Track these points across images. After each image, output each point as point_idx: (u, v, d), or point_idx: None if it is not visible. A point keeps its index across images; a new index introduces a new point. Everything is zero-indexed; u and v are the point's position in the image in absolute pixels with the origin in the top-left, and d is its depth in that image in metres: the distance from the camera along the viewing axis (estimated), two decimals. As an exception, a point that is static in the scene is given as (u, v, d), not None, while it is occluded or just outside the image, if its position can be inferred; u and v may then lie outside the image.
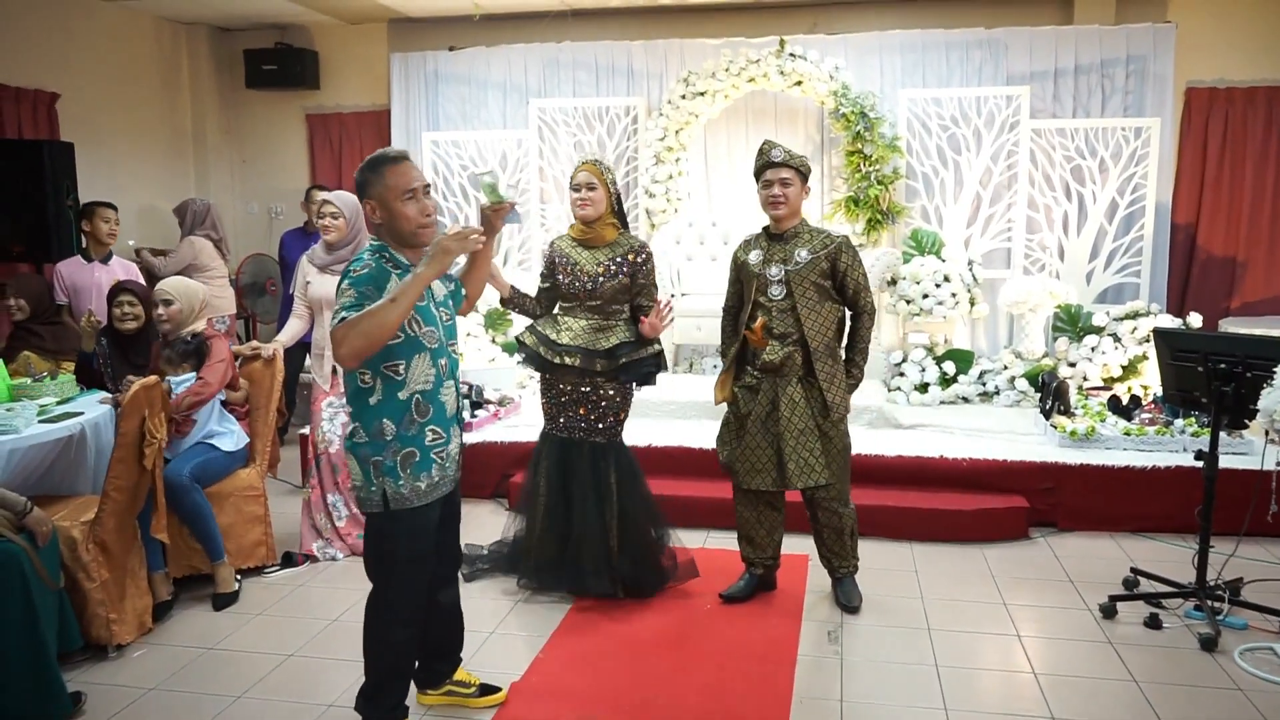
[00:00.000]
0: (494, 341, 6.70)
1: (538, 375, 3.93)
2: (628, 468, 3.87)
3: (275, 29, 7.81)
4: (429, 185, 2.68)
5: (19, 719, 3.02)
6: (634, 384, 3.85)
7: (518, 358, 6.21)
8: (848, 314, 3.75)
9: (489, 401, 5.78)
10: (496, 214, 2.80)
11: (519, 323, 6.79)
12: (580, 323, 3.79)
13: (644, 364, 3.79)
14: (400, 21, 7.66)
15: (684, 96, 6.71)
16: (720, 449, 3.86)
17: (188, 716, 3.13)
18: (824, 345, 3.63)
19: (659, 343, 3.83)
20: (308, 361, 4.59)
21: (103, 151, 6.75)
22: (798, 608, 3.86)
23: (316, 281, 4.34)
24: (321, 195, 4.31)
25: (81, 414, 3.85)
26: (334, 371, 4.37)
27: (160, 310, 4.08)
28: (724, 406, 3.88)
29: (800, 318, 3.61)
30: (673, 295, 3.77)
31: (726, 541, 4.43)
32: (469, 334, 6.62)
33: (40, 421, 3.70)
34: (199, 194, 7.52)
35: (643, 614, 3.79)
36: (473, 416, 5.52)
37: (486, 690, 3.15)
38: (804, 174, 3.67)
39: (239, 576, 4.11)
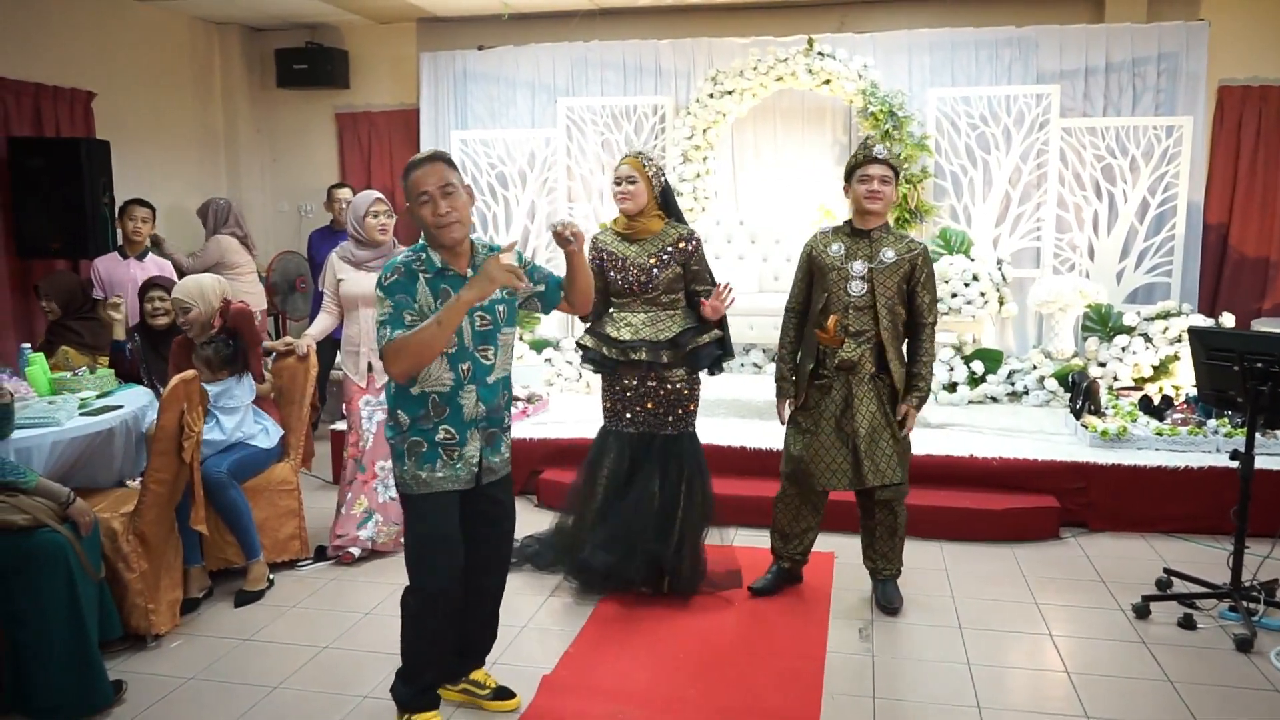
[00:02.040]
0: (521, 339, 6.73)
1: (579, 372, 3.94)
2: (696, 461, 3.85)
3: (306, 28, 7.87)
4: (449, 185, 2.67)
5: (63, 705, 3.08)
6: (700, 372, 3.84)
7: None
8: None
9: (517, 398, 5.81)
10: (560, 238, 2.85)
11: (547, 320, 6.84)
12: (638, 317, 3.80)
13: (709, 349, 3.78)
14: (429, 21, 7.71)
15: (712, 95, 6.71)
16: (786, 453, 3.82)
17: (224, 706, 3.18)
18: (895, 346, 3.63)
19: (719, 328, 3.80)
20: (339, 358, 4.62)
21: (137, 149, 6.84)
22: (826, 605, 3.87)
23: (351, 278, 4.37)
24: (372, 194, 4.35)
25: (120, 407, 3.91)
26: (369, 369, 4.41)
27: (182, 319, 4.10)
28: (763, 404, 3.86)
29: (878, 316, 3.60)
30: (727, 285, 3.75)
31: (753, 539, 4.45)
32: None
33: (81, 414, 3.76)
34: (230, 192, 7.60)
35: (671, 609, 3.81)
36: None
37: (501, 694, 3.15)
38: (898, 176, 3.71)
39: (271, 575, 4.16)
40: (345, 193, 6.38)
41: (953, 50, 6.73)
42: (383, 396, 4.27)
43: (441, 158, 2.76)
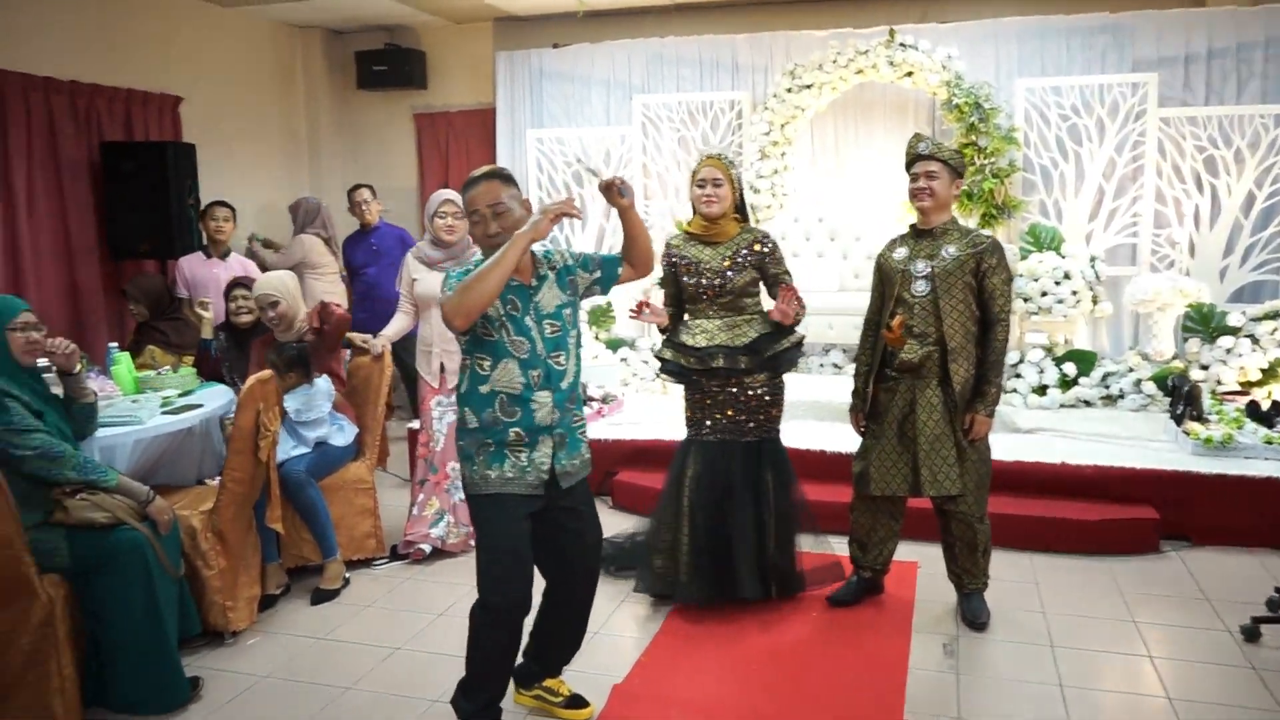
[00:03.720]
0: (597, 338, 6.69)
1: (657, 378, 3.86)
2: (783, 466, 3.75)
3: (385, 30, 7.95)
4: (500, 204, 2.72)
5: (141, 701, 3.13)
6: (782, 375, 3.73)
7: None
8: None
9: (592, 399, 5.76)
10: (610, 193, 2.77)
11: (622, 319, 6.78)
12: (713, 322, 3.68)
13: (791, 354, 3.67)
14: (505, 20, 7.72)
15: (790, 90, 6.57)
16: (856, 460, 3.72)
17: (299, 705, 3.19)
18: (961, 346, 3.47)
19: (797, 330, 3.69)
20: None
21: (222, 152, 6.97)
22: (908, 617, 3.72)
23: (424, 278, 4.38)
24: (445, 194, 4.34)
25: (201, 405, 3.96)
26: (441, 369, 4.41)
27: (270, 313, 4.15)
28: (838, 409, 3.75)
29: (941, 315, 3.46)
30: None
31: (834, 546, 4.32)
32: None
33: (163, 413, 3.82)
34: (312, 192, 7.71)
35: (746, 618, 3.70)
36: (576, 414, 5.50)
37: (575, 703, 3.10)
38: (954, 168, 3.52)
39: (347, 574, 4.17)
40: (364, 193, 6.36)
41: (1042, 39, 6.46)
42: (454, 397, 4.25)
43: (498, 175, 2.78)
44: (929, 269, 3.48)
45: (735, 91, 6.99)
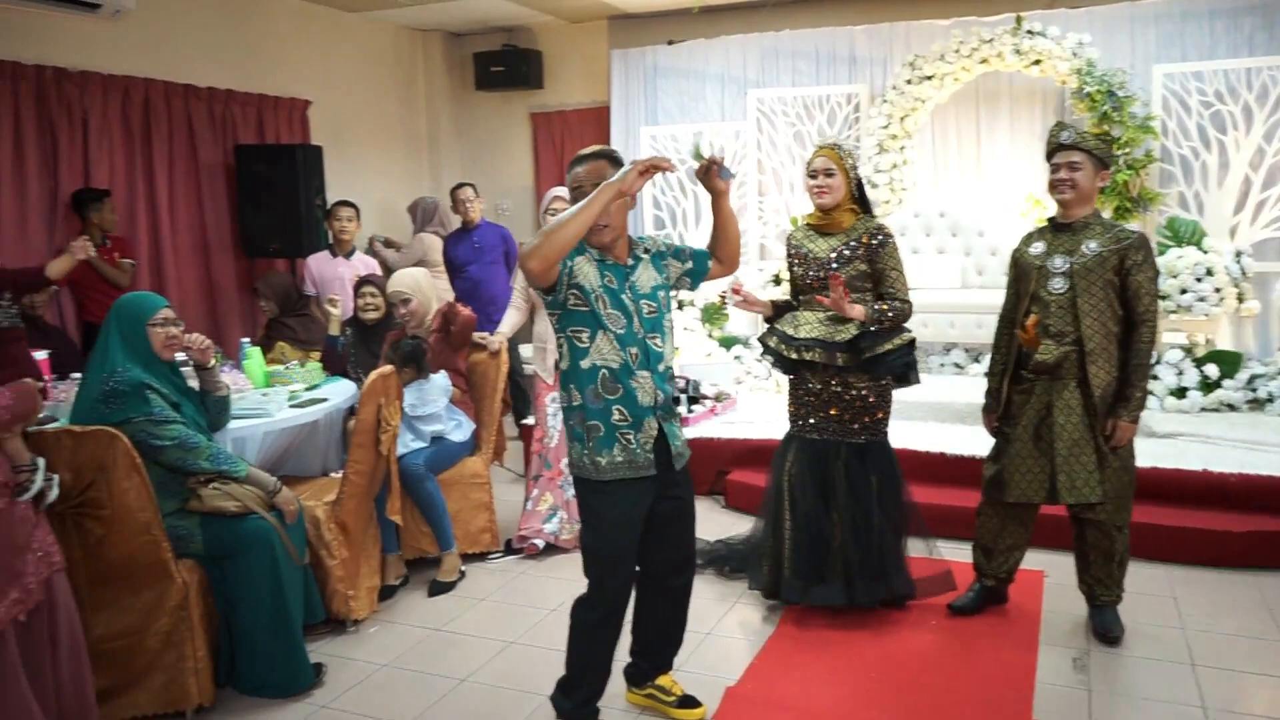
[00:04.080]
0: (711, 336, 6.65)
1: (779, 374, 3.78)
2: (889, 470, 3.62)
3: (502, 32, 8.08)
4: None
5: (268, 684, 3.24)
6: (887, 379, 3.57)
7: (732, 355, 6.09)
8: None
9: (705, 397, 5.72)
10: (709, 175, 2.74)
11: (737, 317, 6.73)
12: (816, 314, 3.58)
13: (894, 357, 3.49)
14: (620, 18, 7.74)
15: (910, 81, 6.39)
16: (986, 462, 3.58)
17: (417, 695, 3.25)
18: (1101, 348, 3.29)
19: (909, 330, 3.55)
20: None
21: (346, 153, 7.20)
22: (1034, 629, 3.56)
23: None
24: (558, 191, 4.38)
25: (326, 399, 4.08)
26: (556, 366, 4.43)
27: (401, 309, 4.26)
28: (969, 410, 3.60)
29: (1079, 314, 3.29)
30: (912, 289, 3.54)
31: (953, 552, 4.17)
32: (685, 328, 6.59)
33: (290, 406, 3.95)
34: (432, 192, 7.89)
35: (862, 624, 3.61)
36: (689, 412, 5.48)
37: (688, 703, 3.06)
38: (1099, 158, 3.32)
39: (463, 567, 4.24)
40: (468, 191, 6.44)
41: (1182, 21, 6.11)
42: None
43: (606, 155, 2.78)
44: (1067, 265, 3.31)
45: (853, 84, 6.84)
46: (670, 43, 7.45)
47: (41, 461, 2.53)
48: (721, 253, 2.90)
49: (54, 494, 2.56)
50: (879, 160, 6.50)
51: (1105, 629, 3.45)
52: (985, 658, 3.36)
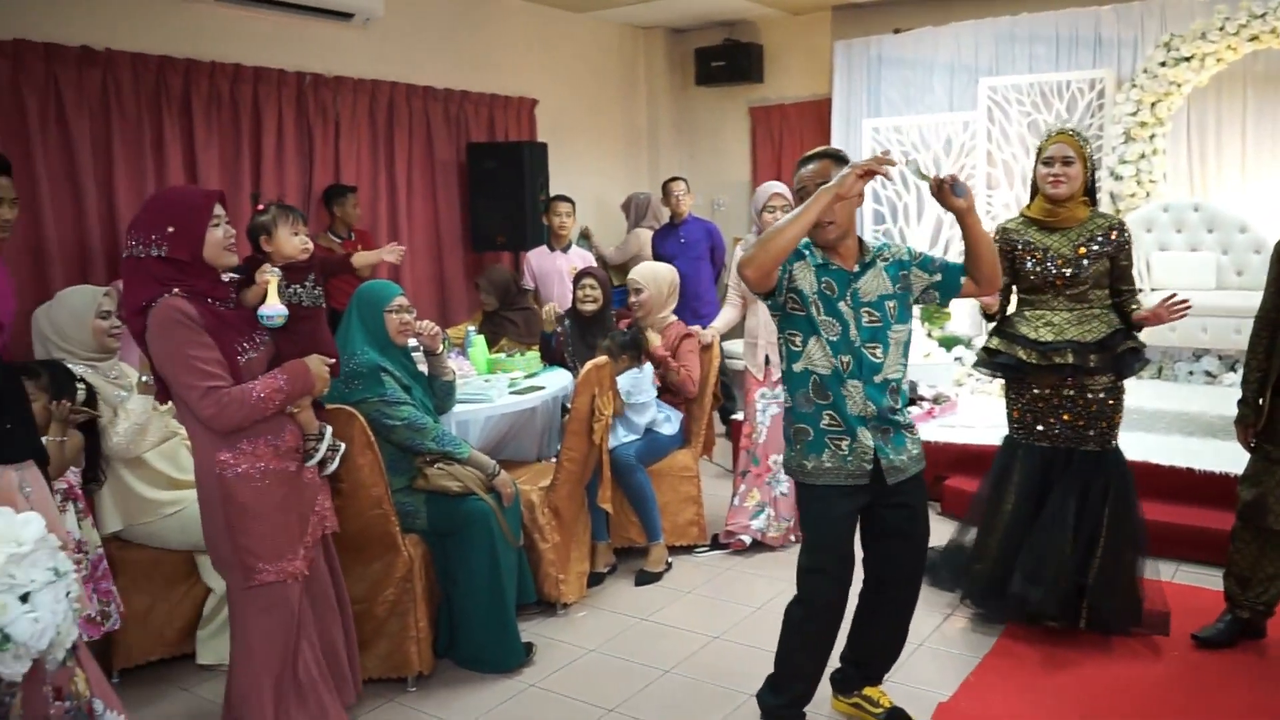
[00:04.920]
0: (930, 336, 6.38)
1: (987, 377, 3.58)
2: (1122, 481, 3.37)
3: (724, 26, 8.08)
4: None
5: (482, 659, 3.38)
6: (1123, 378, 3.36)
7: (951, 357, 5.80)
8: None
9: (922, 398, 5.50)
10: (943, 193, 2.60)
11: (959, 316, 6.42)
12: (1061, 315, 3.35)
13: (1138, 354, 3.31)
14: (844, 8, 7.56)
15: (1163, 64, 5.87)
16: (1243, 483, 3.25)
17: (622, 681, 3.30)
18: None
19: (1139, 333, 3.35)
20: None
21: (569, 149, 7.42)
22: (1298, 670, 3.19)
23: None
24: (774, 186, 4.33)
25: (544, 388, 4.22)
26: (766, 362, 4.39)
27: (633, 298, 4.35)
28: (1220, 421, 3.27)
29: None
30: (1141, 290, 3.30)
31: (1197, 577, 3.81)
32: (903, 327, 6.35)
33: (510, 393, 4.11)
34: (651, 188, 8.01)
35: (1089, 649, 3.35)
36: (904, 413, 5.28)
37: (895, 716, 2.94)
38: None
39: (670, 559, 4.27)
40: (680, 186, 6.41)
41: None
42: (779, 390, 4.23)
43: (831, 155, 2.73)
44: None
45: (1097, 69, 6.36)
46: (896, 31, 7.20)
47: (328, 430, 2.77)
48: (976, 272, 2.70)
49: (335, 464, 2.81)
50: (1125, 150, 6.02)
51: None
52: (1235, 698, 3.03)
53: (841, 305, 2.64)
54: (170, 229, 2.41)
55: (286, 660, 2.66)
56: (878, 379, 2.66)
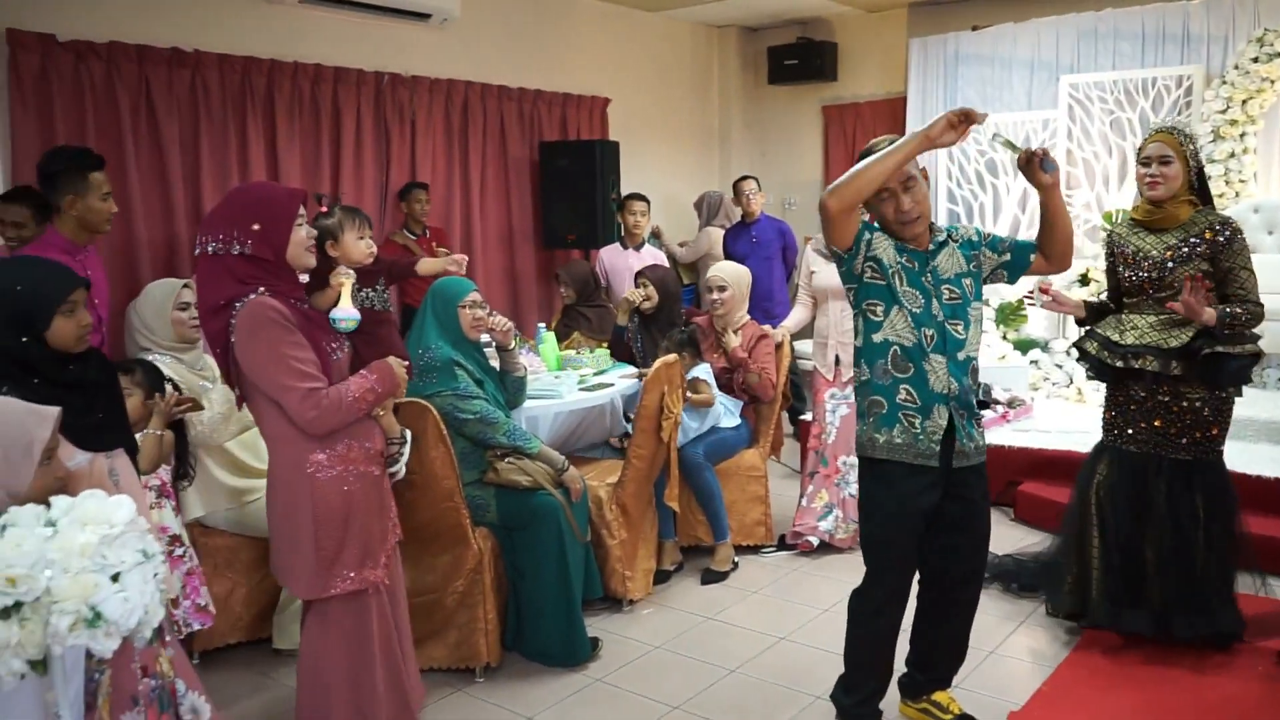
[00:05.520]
0: (1005, 338, 6.26)
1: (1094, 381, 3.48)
2: (1219, 493, 3.24)
3: (797, 24, 8.03)
4: (910, 179, 2.58)
5: (549, 652, 3.41)
6: (1228, 390, 3.19)
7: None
8: None
9: (997, 402, 5.39)
10: (1030, 168, 2.56)
11: (1036, 318, 6.28)
12: (1145, 319, 3.24)
13: (1235, 365, 3.11)
14: (921, 5, 7.45)
15: (1256, 60, 5.68)
16: None
17: (686, 679, 3.30)
18: None
19: (1259, 336, 3.15)
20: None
21: (641, 148, 7.44)
22: (1397, 691, 3.05)
23: (823, 271, 4.34)
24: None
25: (613, 385, 4.23)
26: (836, 362, 4.35)
27: (715, 296, 4.35)
28: None
29: None
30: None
31: (1274, 591, 3.68)
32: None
33: (580, 390, 4.13)
34: (721, 186, 8.00)
35: (1172, 660, 3.24)
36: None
37: None
38: None
39: (736, 558, 4.26)
40: (751, 184, 6.36)
41: None
42: (848, 390, 4.19)
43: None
44: None
45: (1185, 65, 6.17)
46: (975, 28, 7.07)
47: (409, 434, 2.77)
48: (1050, 249, 2.68)
49: (401, 468, 2.79)
50: (1213, 149, 5.82)
51: None
52: (1328, 718, 2.92)
53: (924, 280, 2.62)
54: (256, 226, 2.33)
55: (362, 679, 2.55)
56: (960, 355, 2.63)
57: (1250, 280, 3.12)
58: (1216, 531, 3.21)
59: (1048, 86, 6.71)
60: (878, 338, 2.64)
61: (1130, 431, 3.29)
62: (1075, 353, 3.51)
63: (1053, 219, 2.63)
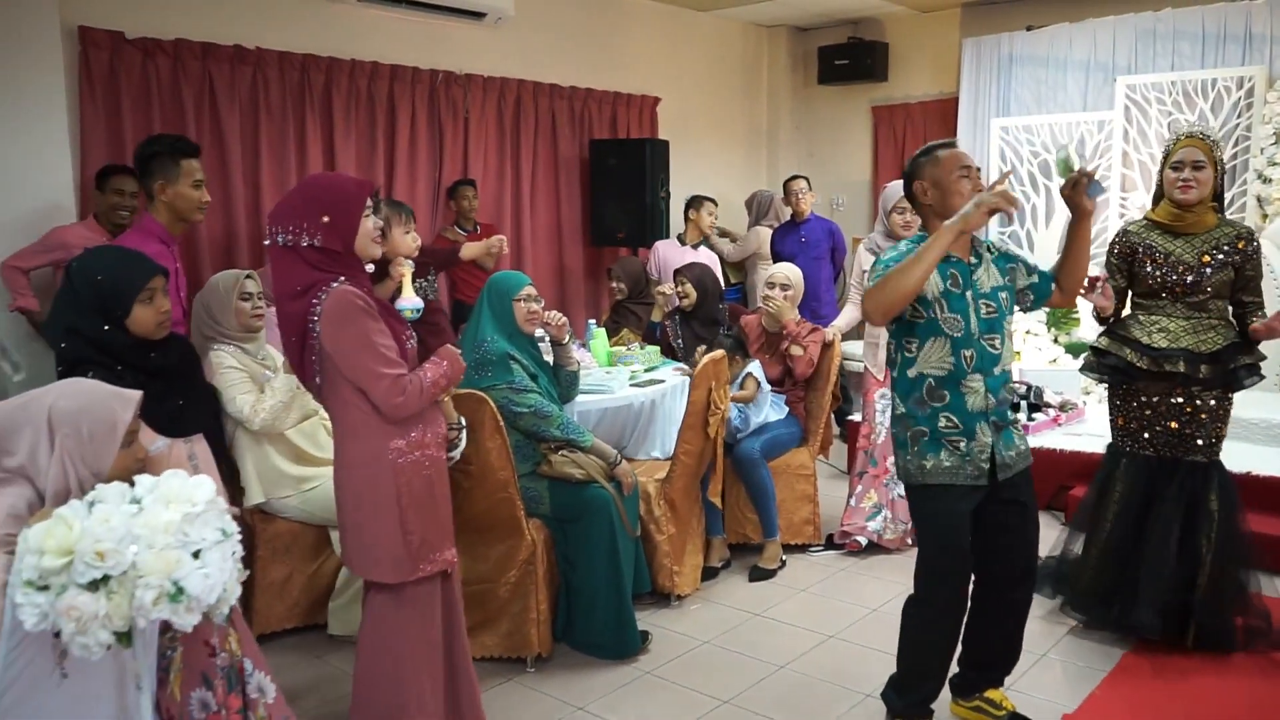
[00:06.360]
0: (1056, 341, 6.19)
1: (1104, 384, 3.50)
2: (1228, 494, 3.28)
3: (848, 24, 8.00)
4: (978, 169, 2.60)
5: (599, 644, 3.44)
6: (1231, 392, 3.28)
7: (1078, 364, 5.66)
8: None
9: (1048, 405, 5.35)
10: (1076, 190, 2.60)
11: (1087, 321, 6.21)
12: (1177, 323, 3.26)
13: (1251, 370, 3.23)
14: (974, 5, 7.39)
15: (1321, 61, 5.57)
16: None
17: (734, 675, 3.31)
18: None
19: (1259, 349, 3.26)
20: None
21: (691, 147, 7.46)
22: None
23: (875, 270, 4.34)
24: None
25: (663, 381, 4.26)
26: (886, 362, 4.34)
27: (776, 293, 4.38)
28: None
29: None
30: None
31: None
32: (1029, 332, 6.19)
33: (630, 385, 4.17)
34: (770, 186, 7.99)
35: (1218, 672, 3.20)
36: (1029, 420, 5.15)
37: None
38: None
39: (784, 556, 4.27)
40: (801, 184, 6.36)
41: None
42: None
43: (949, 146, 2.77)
44: None
45: (1247, 66, 6.07)
46: (1029, 28, 7.00)
47: (464, 420, 2.82)
48: (1066, 280, 2.77)
49: (457, 454, 2.82)
50: (1275, 151, 5.72)
51: None
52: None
53: (966, 296, 2.64)
54: (325, 219, 2.34)
55: (427, 661, 2.57)
56: (997, 370, 2.66)
57: (1260, 288, 3.26)
58: (1230, 533, 3.24)
59: (1103, 88, 6.62)
60: (912, 373, 2.68)
61: (1146, 435, 3.32)
62: (1090, 355, 3.49)
63: (1078, 251, 2.71)
